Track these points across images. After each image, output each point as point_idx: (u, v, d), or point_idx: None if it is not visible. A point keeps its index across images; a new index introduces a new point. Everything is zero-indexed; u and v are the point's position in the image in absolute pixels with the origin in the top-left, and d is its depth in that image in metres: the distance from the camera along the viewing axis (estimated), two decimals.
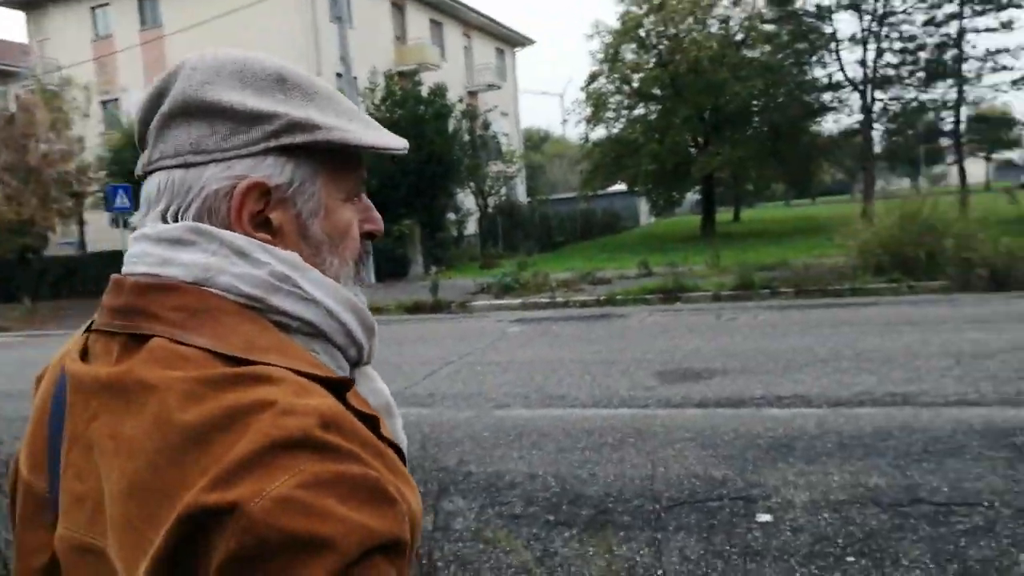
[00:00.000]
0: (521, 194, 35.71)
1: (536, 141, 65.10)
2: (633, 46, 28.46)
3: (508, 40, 39.64)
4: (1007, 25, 27.04)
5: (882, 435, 4.77)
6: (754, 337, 8.72)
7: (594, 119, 29.54)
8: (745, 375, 6.81)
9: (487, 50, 37.01)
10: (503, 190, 29.47)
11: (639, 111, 29.57)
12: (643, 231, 39.73)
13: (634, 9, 28.08)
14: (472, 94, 33.47)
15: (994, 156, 77.79)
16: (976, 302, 9.94)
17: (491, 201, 27.93)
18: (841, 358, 7.13)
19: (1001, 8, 27.10)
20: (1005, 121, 32.81)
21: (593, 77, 29.62)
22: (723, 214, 51.09)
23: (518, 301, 13.57)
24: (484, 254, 23.52)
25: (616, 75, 28.46)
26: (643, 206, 42.56)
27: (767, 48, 28.00)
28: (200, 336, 0.65)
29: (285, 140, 0.71)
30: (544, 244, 28.01)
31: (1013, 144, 41.69)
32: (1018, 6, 26.67)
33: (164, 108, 0.72)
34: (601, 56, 29.18)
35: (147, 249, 0.71)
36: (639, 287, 13.49)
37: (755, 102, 27.40)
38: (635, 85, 28.31)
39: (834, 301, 11.21)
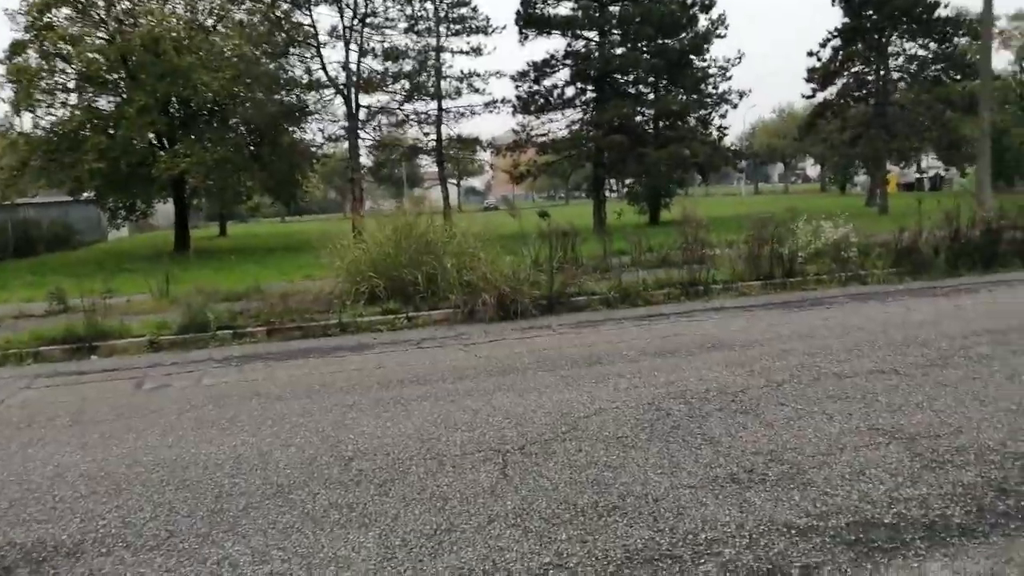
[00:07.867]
0: None
1: None
2: (68, 11, 22.17)
3: None
4: (477, 50, 28.38)
5: None
6: (187, 430, 5.07)
7: (25, 102, 22.28)
8: (136, 553, 3.14)
9: None
10: None
11: (86, 96, 23.29)
12: (109, 247, 32.63)
13: None
14: None
15: (462, 183, 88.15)
16: (487, 336, 7.84)
17: None
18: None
19: (472, 32, 28.33)
20: (473, 141, 34.75)
21: (17, 48, 22.41)
22: (210, 229, 45.90)
23: None
24: None
25: (48, 46, 21.82)
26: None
27: (238, 40, 24.51)
28: None
29: None
30: None
31: (477, 172, 45.80)
32: (486, 32, 28.13)
33: None
34: (27, 21, 22.19)
35: None
36: (31, 334, 8.68)
37: (230, 98, 23.61)
38: (76, 64, 22.04)
39: (316, 344, 8.17)
